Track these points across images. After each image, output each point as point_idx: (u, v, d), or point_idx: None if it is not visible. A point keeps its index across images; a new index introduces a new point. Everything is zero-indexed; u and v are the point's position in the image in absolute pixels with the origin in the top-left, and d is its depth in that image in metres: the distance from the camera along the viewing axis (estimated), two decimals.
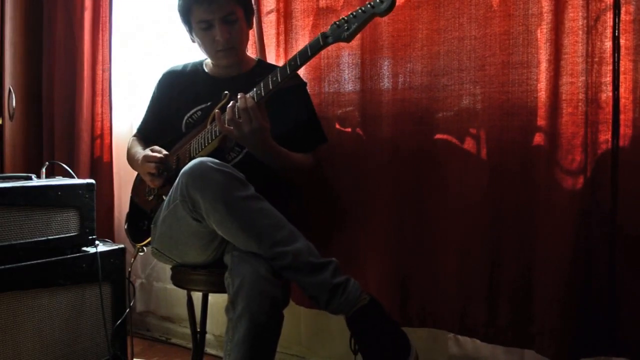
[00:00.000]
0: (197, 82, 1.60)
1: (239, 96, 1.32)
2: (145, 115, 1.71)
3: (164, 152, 1.49)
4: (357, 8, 1.25)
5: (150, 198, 1.54)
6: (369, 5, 1.22)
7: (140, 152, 1.56)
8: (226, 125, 1.33)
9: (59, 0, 2.32)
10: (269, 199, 1.27)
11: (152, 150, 1.49)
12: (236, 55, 1.52)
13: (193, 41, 1.54)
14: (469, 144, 1.44)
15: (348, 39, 1.26)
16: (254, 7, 1.72)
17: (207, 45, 1.50)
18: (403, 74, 1.52)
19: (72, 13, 2.27)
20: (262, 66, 1.61)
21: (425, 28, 1.48)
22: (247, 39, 1.58)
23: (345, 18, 1.26)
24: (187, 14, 1.48)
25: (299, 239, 1.24)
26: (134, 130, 1.76)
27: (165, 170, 1.46)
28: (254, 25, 1.73)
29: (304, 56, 1.29)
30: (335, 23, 1.27)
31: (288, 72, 1.30)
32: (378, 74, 1.56)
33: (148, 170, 1.46)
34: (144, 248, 1.55)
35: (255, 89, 1.34)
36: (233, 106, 1.32)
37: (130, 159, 1.65)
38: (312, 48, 1.29)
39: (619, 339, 1.28)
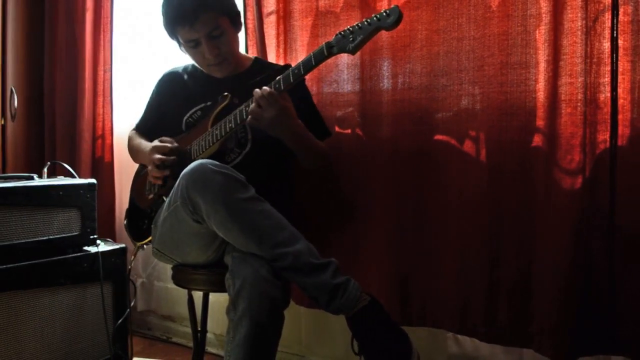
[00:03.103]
0: (197, 82, 1.61)
1: (254, 91, 1.32)
2: (144, 113, 1.72)
3: (175, 143, 1.49)
4: (364, 19, 1.23)
5: (150, 196, 1.55)
6: (375, 18, 1.21)
7: (146, 143, 1.57)
8: (250, 119, 1.33)
9: (60, 1, 2.33)
10: (269, 200, 1.28)
11: (161, 141, 1.49)
12: (229, 66, 1.52)
13: (184, 53, 1.54)
14: (468, 145, 1.45)
15: (353, 51, 1.25)
16: (255, 8, 1.73)
17: (199, 61, 1.52)
18: (402, 74, 1.52)
19: (74, 14, 2.28)
20: (260, 64, 1.61)
21: (425, 29, 1.48)
22: (238, 43, 1.56)
23: (350, 29, 1.24)
24: (173, 33, 1.48)
25: (299, 240, 1.24)
26: None
27: (171, 165, 1.45)
28: (256, 26, 1.74)
29: (308, 65, 1.29)
30: (340, 33, 1.26)
31: (291, 80, 1.30)
32: (377, 74, 1.56)
33: (154, 161, 1.46)
34: (144, 246, 1.55)
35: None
36: (255, 95, 1.32)
37: (134, 149, 1.65)
38: (316, 58, 1.28)
39: (618, 338, 1.28)
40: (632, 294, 1.26)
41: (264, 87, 1.31)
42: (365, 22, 1.23)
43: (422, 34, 1.48)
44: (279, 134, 1.37)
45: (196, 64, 1.59)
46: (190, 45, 1.47)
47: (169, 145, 1.48)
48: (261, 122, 1.32)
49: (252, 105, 1.32)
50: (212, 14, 1.41)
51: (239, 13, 1.54)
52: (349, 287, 1.21)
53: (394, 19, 1.18)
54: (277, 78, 1.32)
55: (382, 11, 1.20)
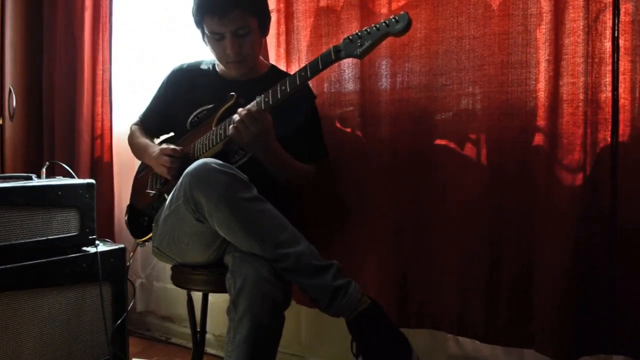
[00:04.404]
0: (207, 82, 1.60)
1: (238, 110, 1.33)
2: (150, 106, 1.71)
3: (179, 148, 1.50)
4: (372, 25, 1.24)
5: (152, 194, 1.54)
6: (384, 24, 1.21)
7: (152, 144, 1.57)
8: (231, 130, 1.34)
9: (59, 0, 2.32)
10: (271, 201, 1.28)
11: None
12: (246, 67, 1.52)
13: (206, 44, 1.53)
14: (468, 144, 1.44)
15: (360, 56, 1.25)
16: None
17: (218, 55, 1.50)
18: (401, 73, 1.52)
19: (73, 13, 2.28)
20: (275, 72, 1.60)
21: (424, 27, 1.48)
22: (261, 48, 1.56)
23: (359, 33, 1.25)
24: (200, 21, 1.47)
25: (301, 241, 1.24)
26: None
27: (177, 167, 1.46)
28: None
29: (315, 68, 1.29)
30: (348, 37, 1.27)
31: (298, 83, 1.30)
32: (376, 73, 1.56)
33: (163, 163, 1.46)
34: (145, 243, 1.55)
35: (263, 96, 1.34)
36: (235, 118, 1.33)
37: (138, 147, 1.64)
38: (324, 61, 1.28)
39: (619, 337, 1.28)
40: (633, 293, 1.26)
41: (241, 110, 1.32)
42: (374, 28, 1.23)
43: (421, 33, 1.48)
44: (256, 153, 1.39)
45: (213, 61, 1.59)
46: (215, 38, 1.46)
47: (176, 147, 1.48)
48: (240, 141, 1.34)
49: (230, 128, 1.34)
50: (243, 12, 1.41)
51: (269, 18, 1.53)
52: (349, 289, 1.21)
53: (403, 25, 1.18)
54: (283, 80, 1.32)
55: (391, 17, 1.21)
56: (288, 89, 1.30)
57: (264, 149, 1.37)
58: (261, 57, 1.63)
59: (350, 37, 1.26)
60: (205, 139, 1.46)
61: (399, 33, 1.20)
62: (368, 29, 1.24)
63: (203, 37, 1.51)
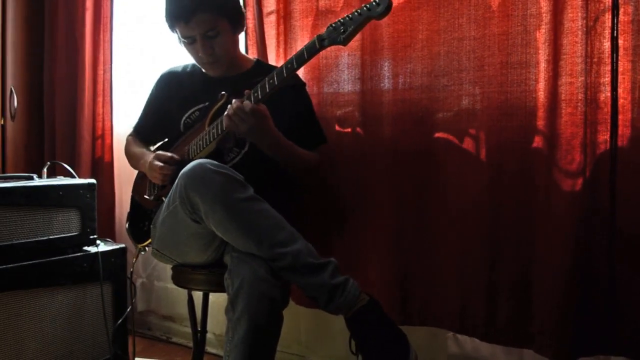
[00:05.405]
0: (195, 83, 1.61)
1: (232, 101, 1.33)
2: (142, 115, 1.72)
3: (175, 156, 1.50)
4: (354, 10, 1.23)
5: (151, 198, 1.55)
6: (365, 8, 1.20)
7: (147, 152, 1.58)
8: (226, 122, 1.35)
9: (60, 0, 2.33)
10: (268, 199, 1.28)
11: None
12: (222, 66, 1.52)
13: (182, 47, 1.54)
14: (468, 145, 1.45)
15: (344, 42, 1.25)
16: (255, 7, 1.73)
17: (194, 57, 1.53)
18: (403, 74, 1.52)
19: (74, 13, 2.28)
20: (261, 66, 1.61)
21: (425, 29, 1.48)
22: (236, 46, 1.56)
23: (342, 20, 1.24)
24: (172, 27, 1.49)
25: (298, 240, 1.24)
26: None
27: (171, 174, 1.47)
28: (256, 26, 1.74)
29: (300, 59, 1.29)
30: (331, 25, 1.26)
31: (285, 74, 1.30)
32: (378, 74, 1.56)
33: (155, 169, 1.47)
34: (146, 248, 1.55)
35: (252, 91, 1.34)
36: (228, 111, 1.34)
37: (133, 157, 1.65)
38: (309, 51, 1.28)
39: (619, 338, 1.28)
40: (632, 294, 1.26)
41: (233, 103, 1.32)
42: (356, 13, 1.22)
43: (423, 34, 1.48)
44: (258, 143, 1.40)
45: (194, 62, 1.60)
46: (187, 42, 1.48)
47: (168, 154, 1.49)
48: (238, 132, 1.35)
49: (225, 121, 1.34)
50: (209, 14, 1.42)
51: (241, 15, 1.54)
52: (347, 287, 1.21)
53: (383, 7, 1.17)
54: (271, 73, 1.32)
55: (372, 1, 1.20)
56: (276, 82, 1.30)
57: (264, 138, 1.37)
58: (244, 53, 1.63)
59: (333, 24, 1.25)
60: (199, 139, 1.46)
61: (380, 15, 1.19)
62: (350, 15, 1.23)
63: (179, 42, 1.52)
